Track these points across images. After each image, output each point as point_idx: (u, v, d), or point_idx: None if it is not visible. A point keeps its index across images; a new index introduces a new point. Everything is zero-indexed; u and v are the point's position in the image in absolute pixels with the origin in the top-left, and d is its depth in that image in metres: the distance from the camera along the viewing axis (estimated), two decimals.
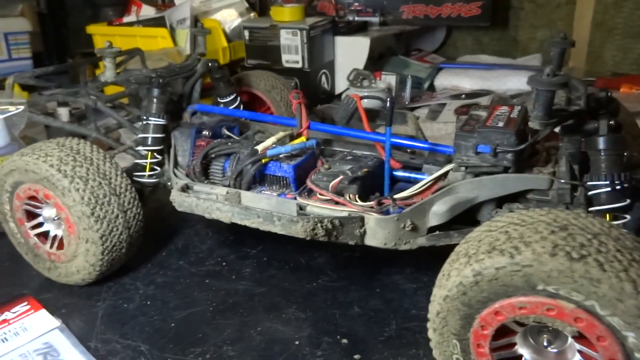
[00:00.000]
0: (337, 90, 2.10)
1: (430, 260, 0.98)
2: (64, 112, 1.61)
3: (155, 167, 1.06)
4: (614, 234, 0.56)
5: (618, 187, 0.70)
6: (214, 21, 1.96)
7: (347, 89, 2.00)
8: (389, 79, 2.07)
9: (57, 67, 1.24)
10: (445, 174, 0.87)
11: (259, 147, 0.95)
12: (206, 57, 1.76)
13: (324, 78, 2.05)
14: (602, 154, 0.71)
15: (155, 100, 1.04)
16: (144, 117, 1.05)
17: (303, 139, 0.96)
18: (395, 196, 0.85)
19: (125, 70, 1.44)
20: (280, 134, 1.00)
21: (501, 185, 0.82)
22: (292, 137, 1.03)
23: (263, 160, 0.93)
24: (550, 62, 0.87)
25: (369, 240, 0.86)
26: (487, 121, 0.83)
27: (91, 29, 1.93)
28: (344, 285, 0.96)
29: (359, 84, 2.00)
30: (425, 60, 2.36)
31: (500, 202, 0.86)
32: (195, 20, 1.90)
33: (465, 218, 0.87)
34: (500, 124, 0.81)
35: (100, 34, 1.92)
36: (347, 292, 0.94)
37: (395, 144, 0.97)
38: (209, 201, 0.89)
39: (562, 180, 0.77)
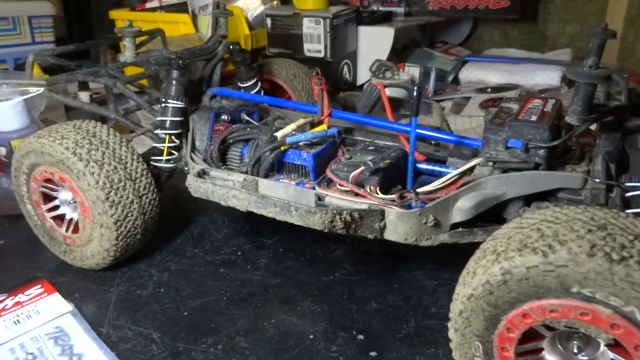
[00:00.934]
0: (359, 81, 2.07)
1: (452, 256, 0.95)
2: (84, 96, 1.61)
3: (173, 151, 1.04)
4: None
5: None
6: (236, 8, 1.93)
7: (369, 80, 1.96)
8: (412, 71, 2.03)
9: (78, 46, 1.22)
10: (472, 169, 0.84)
11: (278, 134, 0.92)
12: None
13: (346, 68, 2.02)
14: None
15: (174, 82, 1.02)
16: (163, 100, 1.03)
17: (324, 126, 0.93)
18: (418, 190, 0.81)
19: (146, 51, 1.42)
20: (301, 121, 0.97)
21: (531, 183, 0.78)
22: (313, 125, 1.00)
23: (282, 148, 0.90)
24: (588, 54, 0.83)
25: (389, 235, 0.82)
26: (519, 114, 0.79)
27: (114, 14, 1.92)
28: (362, 279, 0.93)
29: (381, 75, 1.96)
30: (450, 52, 2.31)
31: (528, 200, 0.82)
32: (217, 7, 1.88)
33: (491, 215, 0.84)
34: (534, 118, 0.77)
35: (123, 19, 1.90)
36: (365, 287, 0.91)
37: (420, 135, 0.93)
38: (225, 188, 0.86)
39: (598, 180, 0.73)
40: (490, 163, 0.81)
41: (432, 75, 2.02)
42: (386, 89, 1.87)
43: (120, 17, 1.91)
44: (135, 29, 1.07)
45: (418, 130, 0.92)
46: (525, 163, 0.78)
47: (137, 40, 1.30)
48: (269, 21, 1.94)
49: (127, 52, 1.07)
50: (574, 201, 0.79)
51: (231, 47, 1.17)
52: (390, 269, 0.96)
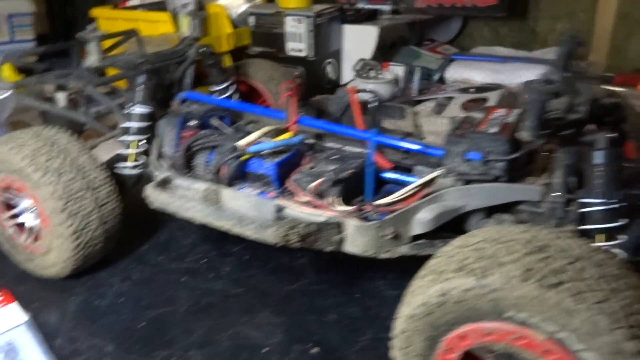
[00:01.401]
0: (344, 81, 2.04)
1: (416, 265, 0.93)
2: (61, 97, 1.59)
3: (140, 157, 1.03)
4: (597, 258, 0.51)
5: (612, 207, 0.64)
6: (219, 6, 1.91)
7: (353, 79, 1.94)
8: (396, 70, 2.00)
9: (49, 47, 1.21)
10: (434, 180, 0.82)
11: (241, 143, 0.91)
12: (211, 43, 1.72)
13: (329, 67, 1.99)
14: (597, 169, 0.66)
15: (140, 87, 1.00)
16: (129, 105, 1.01)
17: (289, 134, 0.92)
18: (378, 202, 0.80)
19: (115, 55, 1.41)
20: (266, 129, 0.95)
21: (490, 195, 0.77)
22: (280, 132, 0.99)
23: (244, 157, 0.89)
24: (556, 62, 0.81)
25: (348, 247, 0.81)
26: (479, 125, 0.78)
27: (95, 11, 1.90)
28: (324, 289, 0.92)
29: (365, 75, 1.94)
30: (438, 51, 2.28)
31: (490, 211, 0.81)
32: (200, 6, 1.86)
33: (455, 225, 0.83)
34: (493, 130, 0.76)
35: (104, 17, 1.89)
36: (326, 297, 0.90)
37: (384, 143, 0.92)
38: (182, 199, 0.85)
39: (555, 194, 0.72)
40: (452, 174, 0.79)
41: (417, 75, 2.00)
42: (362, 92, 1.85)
43: (102, 15, 1.88)
44: (99, 33, 1.05)
45: (382, 139, 0.91)
46: (485, 175, 0.76)
47: (112, 41, 1.29)
48: (252, 19, 1.92)
49: (92, 57, 1.05)
50: (534, 213, 0.78)
51: (202, 50, 1.15)
52: (353, 277, 0.95)
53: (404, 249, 0.82)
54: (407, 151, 0.97)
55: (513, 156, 0.72)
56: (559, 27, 2.46)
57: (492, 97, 1.75)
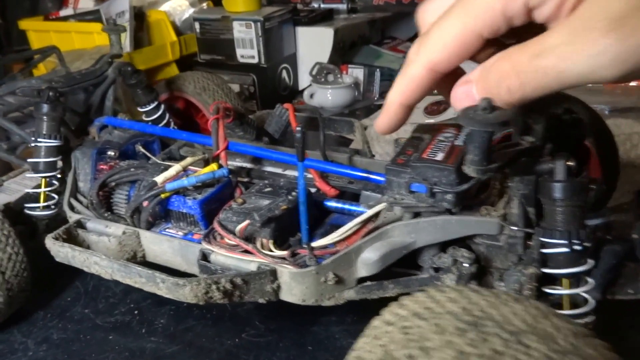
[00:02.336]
0: (301, 86, 1.93)
1: (378, 304, 0.83)
2: None
3: (53, 195, 0.91)
4: (545, 326, 0.41)
5: (577, 248, 0.54)
6: (160, 13, 1.78)
7: (310, 85, 1.83)
8: (356, 73, 1.90)
9: None
10: (379, 213, 0.72)
11: (159, 178, 0.79)
12: (153, 52, 1.60)
13: (285, 73, 1.88)
14: (558, 204, 0.56)
15: (44, 118, 0.88)
16: (34, 138, 0.89)
17: (213, 166, 0.80)
18: (314, 244, 0.69)
19: (52, 71, 1.28)
20: (189, 160, 0.84)
21: (442, 230, 0.67)
22: (208, 162, 0.87)
23: (162, 196, 0.77)
24: None
25: (285, 296, 0.70)
26: (424, 151, 0.67)
27: (24, 24, 1.75)
28: (272, 341, 0.81)
29: (323, 79, 1.83)
30: (399, 49, 2.18)
31: (445, 245, 0.71)
32: (139, 13, 1.72)
33: (407, 258, 0.73)
34: (439, 156, 0.65)
35: (34, 30, 1.74)
36: (274, 352, 0.79)
37: (315, 168, 0.81)
38: (86, 253, 0.73)
39: (514, 228, 0.62)
40: (397, 207, 0.69)
41: (377, 77, 1.90)
42: (328, 96, 1.74)
43: (31, 27, 1.74)
44: None
45: (316, 164, 0.80)
46: (434, 208, 0.66)
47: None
48: (197, 25, 1.79)
49: None
50: (492, 247, 0.68)
51: (122, 68, 1.02)
52: (306, 324, 0.84)
53: (350, 294, 0.72)
54: (345, 175, 0.87)
55: (462, 188, 0.62)
56: None
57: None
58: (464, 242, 0.71)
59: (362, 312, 0.85)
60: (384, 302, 0.72)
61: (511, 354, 0.38)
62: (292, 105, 0.96)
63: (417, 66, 0.39)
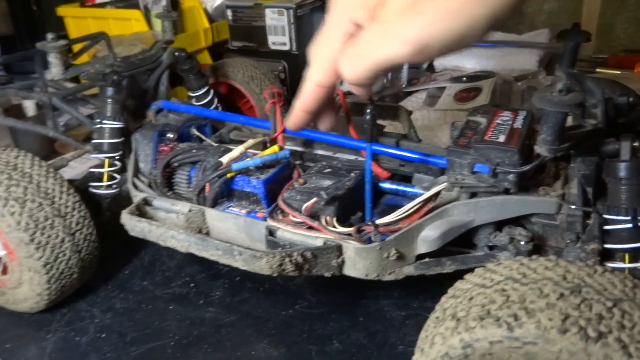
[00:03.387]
0: None
1: (422, 281, 0.87)
2: (30, 105, 1.49)
3: (115, 175, 0.95)
4: None
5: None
6: (194, 0, 1.80)
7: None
8: None
9: (8, 58, 1.11)
10: (439, 193, 0.76)
11: (224, 159, 0.83)
12: (187, 39, 1.63)
13: None
14: (623, 183, 0.59)
15: (109, 100, 0.91)
16: (98, 120, 0.93)
17: (275, 148, 0.84)
18: (378, 221, 0.73)
19: (94, 57, 1.31)
20: (250, 142, 0.87)
21: (501, 209, 0.70)
22: (265, 144, 0.91)
23: (228, 175, 0.81)
24: (560, 62, 0.74)
25: (348, 271, 0.75)
26: (485, 134, 0.71)
27: (62, 10, 1.78)
28: (324, 312, 0.85)
29: None
30: None
31: (500, 224, 0.74)
32: (173, 1, 1.75)
33: (461, 238, 0.76)
34: (501, 138, 0.69)
35: (72, 16, 1.77)
36: (327, 322, 0.83)
37: (380, 152, 0.85)
38: (162, 227, 0.77)
39: (573, 206, 0.66)
40: (457, 188, 0.73)
41: (405, 65, 1.92)
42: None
43: (68, 13, 1.77)
44: (61, 43, 0.95)
45: (377, 148, 0.84)
46: (494, 188, 0.70)
47: (79, 46, 1.19)
48: (229, 12, 1.82)
49: (54, 69, 0.95)
50: (548, 226, 0.72)
51: (176, 54, 1.06)
52: (355, 298, 0.88)
53: (409, 270, 0.76)
54: (403, 158, 0.90)
55: (525, 168, 0.65)
56: (547, 7, 2.40)
57: (485, 87, 1.68)
58: (518, 221, 0.75)
59: (408, 288, 0.89)
60: (426, 281, 0.76)
61: (616, 319, 0.41)
62: (342, 91, 0.99)
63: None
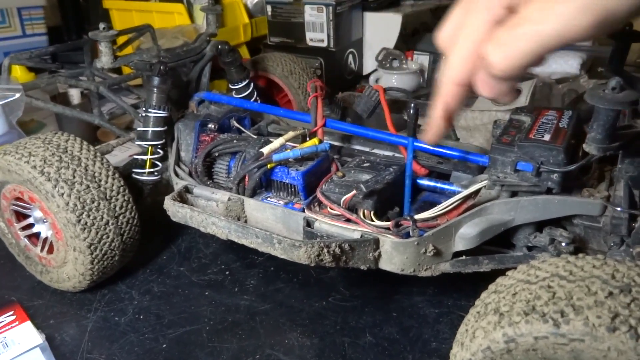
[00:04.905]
0: (365, 71, 1.96)
1: (456, 279, 0.87)
2: (75, 94, 1.54)
3: (157, 162, 0.97)
4: None
5: None
6: None
7: (375, 69, 1.86)
8: (421, 60, 1.91)
9: (57, 48, 1.15)
10: (477, 190, 0.75)
11: (265, 150, 0.84)
12: (226, 34, 1.65)
13: (350, 57, 1.91)
14: None
15: (155, 90, 0.94)
16: (144, 108, 0.95)
17: (315, 141, 0.85)
18: (417, 217, 0.73)
19: (128, 54, 1.35)
20: (291, 134, 0.88)
21: (543, 209, 0.69)
22: (304, 137, 0.92)
23: (269, 166, 0.83)
24: (609, 60, 0.73)
25: (385, 265, 0.75)
26: (530, 132, 0.70)
27: (108, 3, 1.84)
28: (357, 306, 0.86)
29: (388, 65, 1.86)
30: None
31: (540, 224, 0.73)
32: None
33: (498, 238, 0.76)
34: (547, 137, 0.68)
35: (117, 9, 1.83)
36: (360, 316, 0.84)
37: (420, 149, 0.85)
38: (204, 214, 0.79)
39: (619, 208, 0.64)
40: (498, 186, 0.72)
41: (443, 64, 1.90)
42: (393, 82, 1.76)
43: (114, 6, 1.82)
44: (111, 33, 0.99)
45: (417, 144, 0.84)
46: (537, 187, 0.69)
47: (124, 38, 1.22)
48: (269, 8, 1.84)
49: (104, 58, 0.99)
50: (591, 228, 0.71)
51: (220, 47, 1.08)
52: (389, 293, 0.88)
53: (445, 267, 0.76)
54: (443, 155, 0.90)
55: (570, 168, 0.64)
56: None
57: (525, 88, 1.65)
58: (559, 222, 0.73)
59: (441, 286, 0.89)
60: (460, 279, 0.76)
61: None
62: (381, 87, 0.99)
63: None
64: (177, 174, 0.93)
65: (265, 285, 0.92)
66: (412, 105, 0.68)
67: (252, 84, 1.15)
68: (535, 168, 0.67)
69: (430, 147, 0.83)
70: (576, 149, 0.70)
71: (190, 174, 0.94)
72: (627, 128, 0.62)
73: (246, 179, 0.85)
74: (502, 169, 0.70)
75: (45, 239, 0.90)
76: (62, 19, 2.07)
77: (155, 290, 0.92)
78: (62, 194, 0.79)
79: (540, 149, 0.66)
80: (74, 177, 0.80)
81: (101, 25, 0.98)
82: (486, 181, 0.73)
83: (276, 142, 0.85)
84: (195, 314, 0.86)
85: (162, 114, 0.95)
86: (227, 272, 0.96)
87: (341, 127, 0.91)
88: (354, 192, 0.74)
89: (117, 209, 0.84)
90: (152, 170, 0.96)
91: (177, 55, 1.02)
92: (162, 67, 0.93)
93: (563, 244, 0.70)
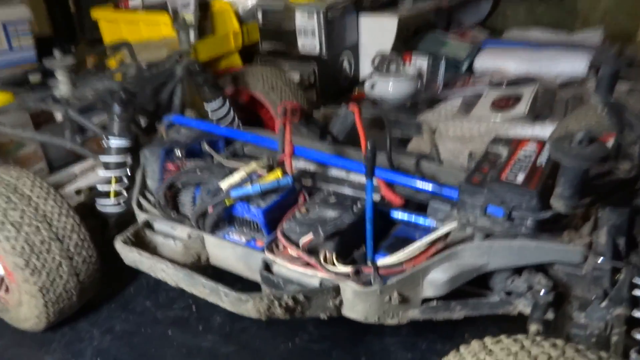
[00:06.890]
0: (362, 75, 1.89)
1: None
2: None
3: (123, 191, 0.93)
4: None
5: None
6: (224, 3, 1.77)
7: (371, 75, 1.78)
8: (419, 63, 1.83)
9: (29, 72, 1.11)
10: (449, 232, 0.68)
11: (224, 184, 0.79)
12: (216, 42, 1.60)
13: (346, 63, 1.84)
14: None
15: (116, 118, 0.89)
16: (106, 137, 0.91)
17: (278, 174, 0.79)
18: (380, 262, 0.67)
19: (121, 64, 1.31)
20: (252, 166, 0.82)
21: (518, 255, 0.63)
22: (271, 167, 0.86)
23: (227, 202, 0.77)
24: (597, 87, 0.65)
25: (347, 312, 0.69)
26: (503, 170, 0.63)
27: (96, 13, 1.80)
28: (325, 349, 0.80)
29: (384, 70, 1.78)
30: (466, 36, 2.08)
31: (520, 268, 0.66)
32: (203, 3, 1.72)
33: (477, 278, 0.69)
34: (520, 177, 0.61)
35: (105, 19, 1.78)
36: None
37: (388, 180, 0.78)
38: (153, 259, 0.74)
39: (601, 259, 0.57)
40: (469, 228, 0.65)
41: (442, 67, 1.82)
42: (389, 88, 1.69)
43: (102, 17, 1.78)
44: (67, 61, 0.93)
45: (387, 176, 0.77)
46: (509, 232, 0.62)
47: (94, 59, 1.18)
48: (260, 15, 1.78)
49: (62, 87, 0.94)
50: (573, 276, 0.63)
51: (190, 67, 1.02)
52: (359, 333, 0.82)
53: (414, 314, 0.69)
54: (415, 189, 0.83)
55: (544, 216, 0.57)
56: (602, 5, 2.23)
57: (526, 94, 1.56)
58: (541, 265, 0.66)
59: (416, 326, 0.82)
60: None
61: None
62: (357, 107, 0.92)
63: None
64: (140, 206, 0.88)
65: (231, 322, 0.87)
66: (369, 146, 0.61)
67: (227, 102, 1.10)
68: (506, 213, 0.60)
69: (394, 177, 0.76)
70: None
71: (155, 204, 0.89)
72: (607, 174, 0.54)
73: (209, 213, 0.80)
74: (472, 211, 0.63)
75: (2, 278, 0.86)
76: (52, 30, 2.04)
77: (117, 328, 0.88)
78: (9, 238, 0.75)
79: (511, 192, 0.59)
80: (22, 218, 0.76)
81: (56, 54, 0.93)
82: (455, 223, 0.66)
83: (236, 176, 0.80)
84: (155, 356, 0.81)
85: (123, 143, 0.90)
86: (194, 307, 0.91)
87: (308, 155, 0.85)
88: (312, 236, 0.68)
89: (72, 248, 0.80)
90: (115, 201, 0.92)
91: (142, 78, 0.97)
92: (123, 96, 0.88)
93: (541, 293, 0.63)
